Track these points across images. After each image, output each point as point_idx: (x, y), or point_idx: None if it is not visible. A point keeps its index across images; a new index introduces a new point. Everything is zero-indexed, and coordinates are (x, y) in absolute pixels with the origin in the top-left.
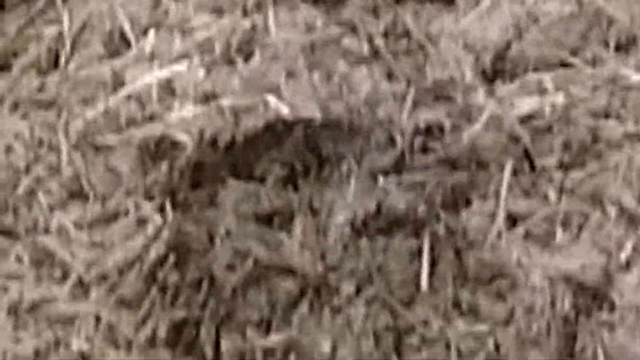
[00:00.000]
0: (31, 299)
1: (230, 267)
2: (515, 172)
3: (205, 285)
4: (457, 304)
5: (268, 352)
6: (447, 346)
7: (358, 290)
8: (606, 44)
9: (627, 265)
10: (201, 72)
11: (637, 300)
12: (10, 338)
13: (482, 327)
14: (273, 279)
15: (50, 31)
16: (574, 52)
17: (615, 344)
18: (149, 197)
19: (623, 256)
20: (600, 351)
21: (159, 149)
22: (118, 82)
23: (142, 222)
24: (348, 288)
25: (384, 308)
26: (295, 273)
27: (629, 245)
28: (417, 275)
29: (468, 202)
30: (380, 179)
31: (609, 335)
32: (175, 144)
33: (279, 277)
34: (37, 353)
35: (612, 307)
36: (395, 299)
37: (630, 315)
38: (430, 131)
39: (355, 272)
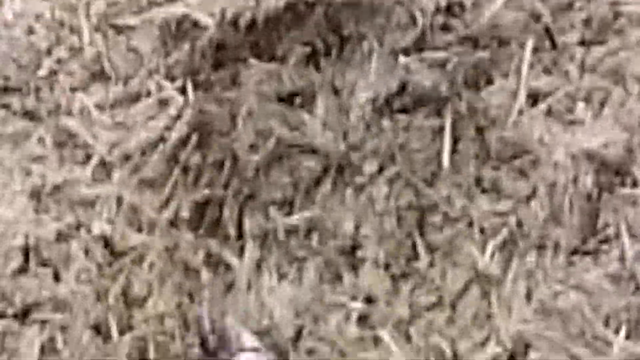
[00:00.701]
0: (53, 182)
1: (253, 147)
2: (536, 50)
3: (227, 165)
4: (479, 182)
5: (291, 231)
6: (470, 224)
7: (380, 169)
8: None
9: None
10: None
11: None
12: (32, 221)
13: (505, 205)
14: (295, 159)
15: None
16: None
17: (639, 219)
18: (171, 78)
19: None
20: (623, 227)
21: (181, 29)
22: None
23: (164, 102)
24: (370, 167)
25: (407, 186)
26: (317, 152)
27: None
28: (439, 154)
29: (489, 80)
30: (402, 57)
31: (632, 211)
32: (196, 24)
33: (302, 156)
34: (59, 235)
35: (634, 183)
36: (417, 177)
37: None
38: (451, 9)
39: (378, 150)
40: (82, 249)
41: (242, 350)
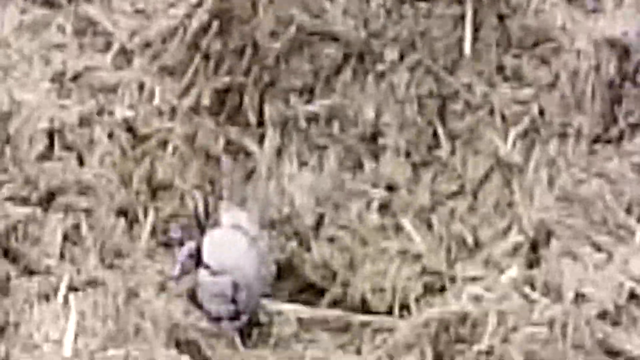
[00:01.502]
0: (74, 69)
1: (274, 34)
2: None
3: (248, 52)
4: (500, 69)
5: (311, 118)
6: (491, 111)
7: (401, 57)
8: None
9: None
10: None
11: None
12: (55, 105)
13: (526, 92)
14: (316, 46)
15: None
16: None
17: None
18: None
19: None
20: None
21: None
22: None
23: None
24: (391, 54)
25: (428, 74)
26: (338, 39)
27: None
28: (460, 41)
29: None
30: None
31: None
32: None
33: (322, 43)
34: (82, 120)
35: None
36: (438, 64)
37: None
38: None
39: (399, 38)
40: (105, 133)
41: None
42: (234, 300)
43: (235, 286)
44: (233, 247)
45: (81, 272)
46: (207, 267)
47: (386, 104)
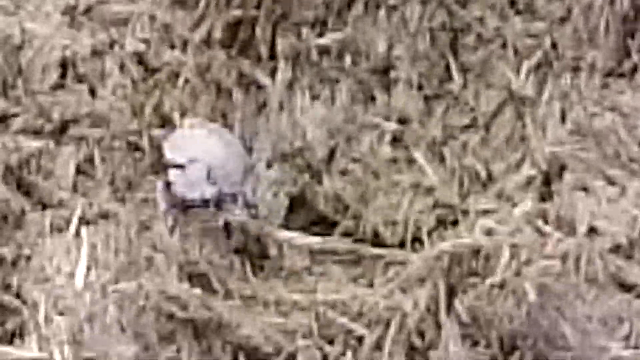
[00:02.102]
0: (86, 2)
1: None
2: None
3: None
4: (513, 3)
5: (323, 51)
6: (503, 45)
7: None
8: None
9: None
10: None
11: None
12: (67, 37)
13: (539, 26)
14: None
15: None
16: None
17: None
18: None
19: None
20: None
21: None
22: None
23: None
24: None
25: (440, 7)
26: None
27: None
28: None
29: None
30: None
31: None
32: None
33: None
34: (94, 52)
35: None
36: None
37: None
38: None
39: None
40: (117, 65)
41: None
42: (213, 182)
43: (209, 169)
44: (194, 139)
45: (93, 205)
46: (174, 165)
47: (398, 37)
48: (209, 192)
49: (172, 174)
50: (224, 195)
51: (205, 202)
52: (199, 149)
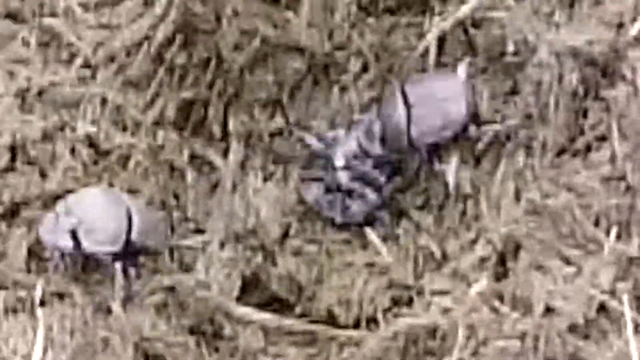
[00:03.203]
0: (39, 84)
1: (238, 47)
2: None
3: (212, 65)
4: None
5: (276, 131)
6: None
7: (365, 68)
8: None
9: (637, 40)
10: None
11: None
12: (18, 120)
13: (490, 103)
14: (280, 58)
15: None
16: None
17: (629, 119)
18: None
19: (632, 32)
20: (614, 126)
21: None
22: None
23: (149, 2)
24: (355, 66)
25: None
26: (302, 51)
27: (638, 22)
28: (425, 53)
29: None
30: None
31: (623, 111)
32: None
33: (286, 55)
34: (45, 135)
35: (624, 82)
36: (402, 77)
37: None
38: None
39: (362, 50)
40: (67, 148)
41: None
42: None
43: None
44: (82, 194)
45: (48, 286)
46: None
47: (350, 116)
48: (68, 244)
49: (47, 218)
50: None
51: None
52: (77, 204)
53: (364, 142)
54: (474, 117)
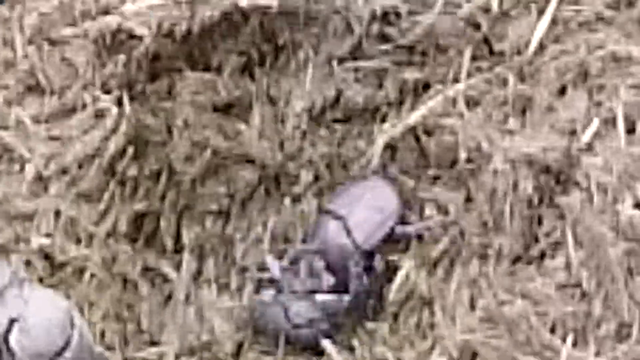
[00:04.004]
0: None
1: (189, 158)
2: (473, 57)
3: (164, 176)
4: (416, 190)
5: (228, 241)
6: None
7: (316, 178)
8: None
9: (590, 146)
10: None
11: (604, 180)
12: None
13: (448, 212)
14: (232, 169)
15: None
16: None
17: (584, 225)
18: (107, 90)
19: (585, 138)
20: (569, 234)
21: (115, 41)
22: None
23: (100, 115)
24: (307, 176)
25: None
26: (254, 162)
27: (591, 128)
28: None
29: (427, 87)
30: (337, 66)
31: (578, 217)
32: (131, 36)
33: (238, 166)
34: None
35: (578, 188)
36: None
37: (598, 196)
38: (387, 17)
39: (314, 160)
40: (22, 260)
41: None
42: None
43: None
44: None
45: None
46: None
47: (301, 224)
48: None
49: None
50: None
51: None
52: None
53: (309, 283)
54: (401, 218)
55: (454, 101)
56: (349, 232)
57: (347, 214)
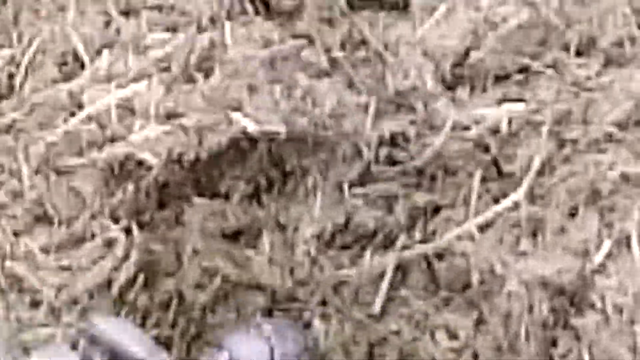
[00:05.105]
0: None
1: (199, 286)
2: (483, 179)
3: (174, 304)
4: (427, 316)
5: None
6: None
7: (324, 303)
8: (566, 48)
9: (604, 267)
10: (161, 91)
11: (620, 301)
12: None
13: (460, 337)
14: (242, 296)
15: (2, 55)
16: (534, 58)
17: (601, 347)
18: (115, 219)
19: (598, 259)
20: (585, 356)
21: (123, 170)
22: (76, 104)
23: (109, 244)
24: (316, 302)
25: (353, 321)
26: (264, 289)
27: (603, 248)
28: (392, 289)
29: (437, 211)
30: (347, 191)
31: (594, 339)
32: (139, 164)
33: (248, 293)
34: None
35: (593, 310)
36: (364, 313)
37: (614, 317)
38: (395, 141)
39: (324, 286)
40: None
41: None
42: None
43: None
44: None
45: None
46: None
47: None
48: None
49: None
50: None
51: None
52: None
53: None
54: None
55: (464, 223)
56: None
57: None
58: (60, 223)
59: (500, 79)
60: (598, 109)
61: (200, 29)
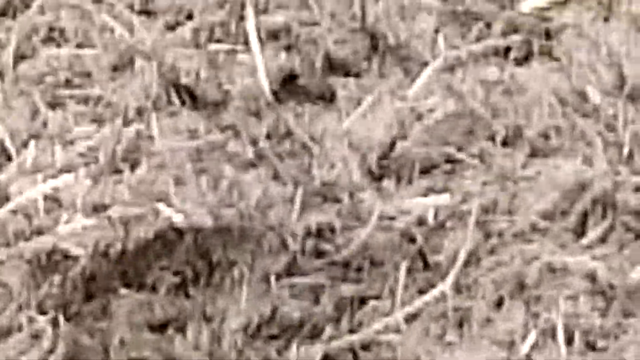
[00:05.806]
0: None
1: None
2: (409, 270)
3: None
4: None
5: None
6: None
7: None
8: (492, 139)
9: (529, 358)
10: (87, 183)
11: None
12: None
13: None
14: None
15: None
16: (460, 149)
17: None
18: (42, 311)
19: (524, 349)
20: None
21: (50, 262)
22: (3, 196)
23: (36, 336)
24: None
25: None
26: None
27: (529, 339)
28: None
29: (363, 302)
30: (273, 283)
31: None
32: (66, 256)
33: None
34: None
35: None
36: None
37: None
38: (322, 233)
39: None
40: None
41: None
42: None
43: None
44: None
45: None
46: None
47: None
48: None
49: None
50: None
51: None
52: None
53: None
54: None
55: (390, 315)
56: None
57: None
58: None
59: (426, 169)
60: (524, 200)
61: (127, 121)
